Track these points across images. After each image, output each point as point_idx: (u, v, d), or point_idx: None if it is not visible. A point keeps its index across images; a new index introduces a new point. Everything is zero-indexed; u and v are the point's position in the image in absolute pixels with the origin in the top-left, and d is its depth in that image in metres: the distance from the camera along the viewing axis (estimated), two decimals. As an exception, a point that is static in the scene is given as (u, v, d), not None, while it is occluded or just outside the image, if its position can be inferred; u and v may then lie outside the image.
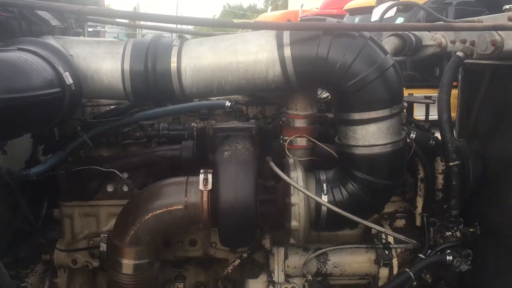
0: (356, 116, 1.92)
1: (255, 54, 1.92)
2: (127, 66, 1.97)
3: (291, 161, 2.06)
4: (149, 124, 2.38)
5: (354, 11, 10.70)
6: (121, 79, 1.98)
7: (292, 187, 1.95)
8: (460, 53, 2.41)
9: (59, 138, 2.45)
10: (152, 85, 1.98)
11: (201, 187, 1.98)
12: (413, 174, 2.41)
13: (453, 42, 2.62)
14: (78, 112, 2.44)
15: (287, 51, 1.89)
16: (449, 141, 2.23)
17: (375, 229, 2.02)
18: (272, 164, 1.99)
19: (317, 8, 16.10)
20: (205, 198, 1.97)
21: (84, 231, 2.42)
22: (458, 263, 2.16)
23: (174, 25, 2.90)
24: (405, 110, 2.42)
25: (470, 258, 2.22)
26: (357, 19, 10.61)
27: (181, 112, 2.44)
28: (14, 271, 2.44)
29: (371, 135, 1.93)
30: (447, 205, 2.29)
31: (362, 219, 1.98)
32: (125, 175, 2.31)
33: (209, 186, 1.97)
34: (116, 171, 2.18)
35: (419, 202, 2.40)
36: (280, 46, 1.89)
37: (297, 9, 15.52)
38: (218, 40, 2.01)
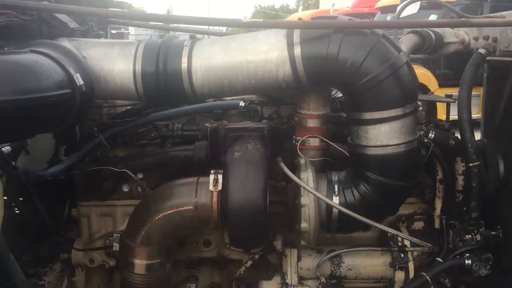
0: (368, 115, 1.88)
1: (265, 54, 1.90)
2: (138, 67, 1.99)
3: (302, 161, 2.03)
4: (163, 125, 2.39)
5: (385, 9, 10.53)
6: (133, 80, 2.00)
7: (302, 188, 1.92)
8: (482, 50, 2.34)
9: (80, 139, 2.49)
10: (163, 85, 1.98)
11: (211, 187, 1.97)
12: (432, 175, 2.34)
13: (476, 38, 2.55)
14: (94, 113, 2.47)
15: (297, 50, 1.86)
16: (469, 141, 2.16)
17: (387, 231, 1.96)
18: (282, 164, 1.96)
19: (348, 7, 15.94)
20: (215, 199, 1.96)
21: (101, 230, 2.45)
22: (477, 267, 2.09)
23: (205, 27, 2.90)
24: (421, 109, 2.35)
25: (490, 262, 2.15)
26: (388, 17, 10.46)
27: (195, 113, 2.44)
28: (33, 269, 2.49)
29: (383, 135, 1.88)
30: (466, 207, 2.22)
31: (374, 221, 1.94)
32: (140, 176, 2.33)
33: (219, 187, 1.96)
34: (128, 172, 2.20)
35: (438, 204, 2.33)
36: (290, 45, 1.87)
37: (328, 8, 15.39)
38: (229, 39, 2.00)
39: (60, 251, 2.50)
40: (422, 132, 2.27)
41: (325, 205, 1.96)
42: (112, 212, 2.42)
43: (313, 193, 1.89)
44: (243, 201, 1.90)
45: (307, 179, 1.95)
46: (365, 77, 1.82)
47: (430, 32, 2.39)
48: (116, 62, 2.01)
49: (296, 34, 1.88)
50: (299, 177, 1.96)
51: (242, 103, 2.36)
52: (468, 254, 2.13)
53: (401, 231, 2.27)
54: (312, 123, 2.11)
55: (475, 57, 2.32)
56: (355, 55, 1.81)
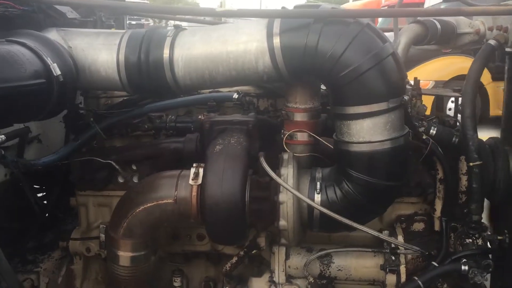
0: (350, 110, 1.78)
1: (244, 44, 1.84)
2: (122, 57, 1.97)
3: (285, 156, 1.95)
4: (157, 116, 2.36)
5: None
6: (116, 70, 1.98)
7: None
8: (492, 41, 2.19)
9: (77, 129, 2.50)
10: (145, 76, 1.95)
11: (190, 181, 1.93)
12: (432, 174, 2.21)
13: (490, 29, 2.39)
14: (92, 104, 2.48)
15: (276, 41, 1.78)
16: (470, 138, 2.03)
17: (368, 232, 1.86)
18: (261, 159, 1.89)
19: (401, -4, 15.41)
20: (194, 193, 1.92)
21: (98, 220, 2.46)
22: (473, 274, 1.95)
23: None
24: (422, 104, 2.22)
25: (490, 270, 2.00)
26: (442, 6, 10.05)
27: (190, 104, 2.41)
28: (32, 256, 2.53)
29: (366, 131, 1.78)
30: (467, 209, 2.08)
31: (358, 222, 1.84)
32: (133, 167, 2.33)
33: (199, 181, 1.92)
34: (112, 162, 2.19)
35: (438, 205, 2.20)
36: (269, 35, 1.79)
37: (380, -2, 14.98)
38: (211, 29, 1.95)
39: (60, 239, 2.54)
40: (422, 128, 2.15)
41: (306, 203, 1.87)
42: (109, 203, 2.42)
43: (290, 190, 1.81)
44: (219, 196, 1.85)
45: (286, 175, 1.87)
46: (345, 69, 1.72)
47: (436, 22, 2.25)
48: (100, 52, 2.00)
49: (276, 24, 1.80)
50: (279, 173, 1.88)
51: (235, 95, 2.31)
52: (465, 260, 1.99)
53: (396, 232, 2.16)
54: (299, 117, 2.03)
55: (485, 48, 2.17)
56: (335, 46, 1.72)
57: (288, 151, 2.00)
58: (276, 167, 1.93)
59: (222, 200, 1.84)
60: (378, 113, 1.75)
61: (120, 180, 2.38)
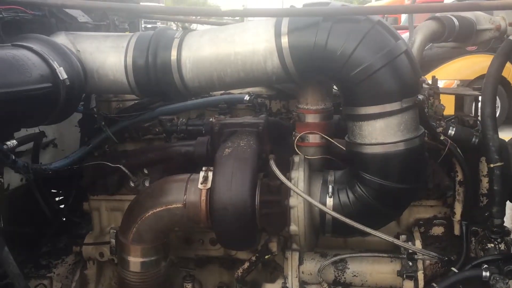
0: (362, 110, 1.71)
1: (252, 45, 1.79)
2: (129, 60, 1.94)
3: (296, 159, 1.90)
4: (168, 119, 2.33)
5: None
6: (124, 73, 1.95)
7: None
8: (512, 37, 2.10)
9: (90, 133, 2.49)
10: (153, 79, 1.92)
11: (200, 185, 1.89)
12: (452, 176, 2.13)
13: (511, 24, 2.29)
14: (104, 107, 2.47)
15: (285, 40, 1.73)
16: (490, 139, 1.95)
17: (381, 238, 1.79)
18: (271, 162, 1.84)
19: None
20: (203, 197, 1.88)
21: (111, 224, 2.45)
22: (495, 280, 1.86)
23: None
24: (440, 103, 2.14)
25: (513, 276, 1.91)
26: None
27: (200, 107, 2.37)
28: (46, 261, 2.53)
29: (379, 132, 1.71)
30: (488, 212, 2.00)
31: (372, 227, 1.77)
32: (145, 171, 2.31)
33: (209, 185, 1.88)
34: (122, 167, 2.16)
35: (458, 208, 2.11)
36: (277, 35, 1.74)
37: (406, -4, 14.76)
38: (219, 30, 1.90)
39: (74, 244, 2.53)
40: (440, 129, 2.07)
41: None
42: (121, 207, 2.40)
43: (300, 194, 1.75)
44: (228, 200, 1.80)
45: (297, 178, 1.82)
46: (356, 68, 1.66)
47: (453, 19, 2.16)
48: (108, 55, 1.97)
49: (285, 23, 1.74)
50: (289, 176, 1.83)
51: (247, 97, 2.26)
52: (486, 266, 1.90)
53: (413, 237, 2.08)
54: (311, 118, 1.97)
55: (505, 45, 2.08)
56: (345, 44, 1.65)
57: (300, 153, 1.94)
58: (287, 170, 1.88)
59: (231, 204, 1.80)
60: (391, 114, 1.68)
61: (132, 184, 2.36)
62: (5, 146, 2.01)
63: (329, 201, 1.81)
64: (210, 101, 2.33)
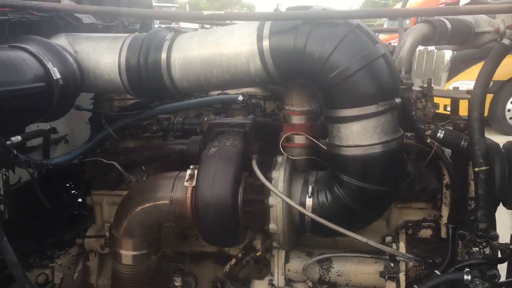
0: (339, 113, 1.74)
1: (236, 47, 1.84)
2: (123, 60, 2.01)
3: (279, 159, 1.94)
4: (165, 118, 2.41)
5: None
6: (118, 73, 2.03)
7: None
8: (506, 41, 2.10)
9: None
10: (145, 79, 1.99)
11: (185, 183, 1.96)
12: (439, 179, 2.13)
13: (509, 27, 2.28)
14: (106, 106, 2.56)
15: (266, 43, 1.77)
16: (476, 142, 1.95)
17: (356, 239, 1.81)
18: (253, 162, 1.89)
19: (465, -5, 14.83)
20: (188, 194, 1.95)
21: (112, 218, 2.52)
22: (474, 284, 1.86)
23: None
24: (429, 106, 2.14)
25: (496, 281, 1.91)
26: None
27: (197, 107, 2.44)
28: (50, 252, 2.64)
29: (355, 134, 1.74)
30: (473, 216, 2.00)
31: (350, 228, 1.80)
32: (143, 168, 2.39)
33: (194, 182, 1.94)
34: (115, 164, 2.25)
35: (445, 211, 2.12)
36: (259, 38, 1.79)
37: (441, -3, 14.51)
38: (207, 33, 1.96)
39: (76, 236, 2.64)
40: (429, 132, 2.08)
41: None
42: (121, 202, 2.49)
43: (277, 193, 1.80)
44: (210, 198, 1.86)
45: (277, 178, 1.86)
46: (333, 71, 1.69)
47: (446, 22, 2.16)
48: (103, 56, 2.05)
49: (267, 26, 1.79)
50: (270, 176, 1.88)
51: (240, 98, 2.32)
52: (468, 269, 1.91)
53: (398, 240, 2.10)
54: (296, 119, 2.01)
55: (497, 49, 2.07)
56: (323, 48, 1.69)
57: (284, 153, 1.99)
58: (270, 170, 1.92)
59: (212, 202, 1.86)
60: (367, 116, 1.71)
61: (133, 180, 2.44)
62: (9, 142, 2.13)
63: (309, 201, 1.85)
64: (206, 101, 2.39)
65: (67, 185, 3.02)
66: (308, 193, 1.85)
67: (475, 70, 8.19)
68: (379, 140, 1.73)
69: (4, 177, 2.32)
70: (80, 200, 2.88)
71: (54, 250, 2.65)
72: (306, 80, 1.89)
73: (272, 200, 1.85)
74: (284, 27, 1.76)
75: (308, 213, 1.78)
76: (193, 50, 1.92)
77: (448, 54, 10.19)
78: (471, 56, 9.12)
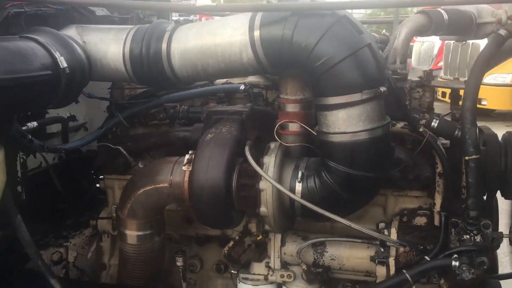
0: (326, 100, 1.81)
1: (229, 37, 1.92)
2: (127, 50, 2.12)
3: (272, 146, 2.02)
4: (171, 106, 2.51)
5: None
6: (122, 62, 2.14)
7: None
8: (502, 31, 2.10)
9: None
10: (147, 68, 2.10)
11: (184, 167, 2.06)
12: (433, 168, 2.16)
13: (511, 18, 2.28)
14: (117, 95, 2.69)
15: (257, 34, 1.85)
16: (467, 132, 1.97)
17: (342, 223, 1.87)
18: (246, 148, 1.97)
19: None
20: (186, 178, 2.05)
21: (123, 202, 2.66)
22: (461, 270, 1.90)
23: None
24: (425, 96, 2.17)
25: (484, 267, 1.94)
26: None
27: (201, 95, 2.53)
28: (66, 232, 2.80)
29: (341, 122, 1.80)
30: (464, 204, 2.03)
31: (338, 213, 1.86)
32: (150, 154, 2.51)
33: (191, 167, 2.04)
34: (120, 148, 2.37)
35: (438, 199, 2.15)
36: (251, 28, 1.86)
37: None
38: (204, 24, 2.06)
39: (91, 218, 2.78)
40: (423, 121, 2.12)
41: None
42: (131, 186, 2.61)
43: (265, 177, 1.88)
44: (204, 181, 1.95)
45: (268, 163, 1.94)
46: (319, 60, 1.75)
47: (442, 12, 2.18)
48: (110, 46, 2.16)
49: (258, 17, 1.86)
50: (262, 161, 1.95)
51: (242, 87, 2.40)
52: (456, 255, 1.94)
53: (391, 226, 2.14)
54: (290, 107, 2.08)
55: (493, 39, 2.08)
56: (309, 38, 1.75)
57: (279, 140, 2.06)
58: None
59: (206, 185, 1.95)
60: (352, 104, 1.76)
61: (141, 165, 2.56)
62: (24, 127, 2.27)
63: (298, 186, 1.92)
64: (210, 90, 2.49)
65: (86, 171, 3.15)
66: (297, 178, 1.92)
67: (510, 63, 8.04)
68: (364, 128, 1.79)
69: (22, 160, 2.48)
70: (98, 185, 3.02)
71: (70, 231, 2.80)
72: (295, 70, 1.95)
73: (262, 184, 1.93)
74: (274, 18, 1.83)
75: (293, 196, 1.85)
76: (191, 40, 2.01)
77: (483, 46, 10.02)
78: (507, 49, 8.90)
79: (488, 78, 10.23)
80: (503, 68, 9.51)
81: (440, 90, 9.02)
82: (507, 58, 8.10)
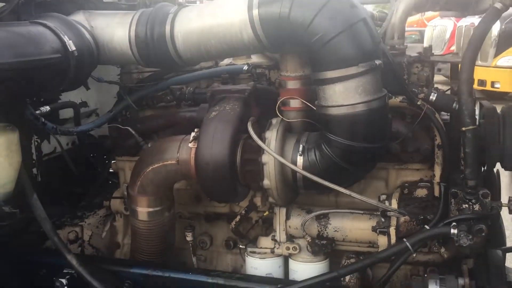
0: (323, 75, 1.87)
1: (230, 18, 1.99)
2: (132, 34, 2.19)
3: (274, 121, 2.09)
4: (177, 88, 2.59)
5: None
6: (129, 46, 2.22)
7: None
8: (498, 5, 2.13)
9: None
10: (152, 51, 2.17)
11: (190, 144, 2.14)
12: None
13: (509, -8, 2.31)
14: (126, 79, 2.77)
15: (255, 12, 1.91)
16: (464, 103, 2.02)
17: (344, 193, 1.94)
18: (248, 124, 2.05)
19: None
20: (192, 155, 2.13)
21: (134, 182, 2.75)
22: (459, 237, 1.95)
23: None
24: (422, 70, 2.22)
25: (483, 234, 1.99)
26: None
27: (207, 77, 2.60)
28: (81, 213, 2.90)
29: (338, 95, 1.86)
30: (463, 174, 2.08)
31: (339, 184, 1.93)
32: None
33: (197, 144, 2.12)
34: (129, 129, 2.45)
35: (437, 171, 2.21)
36: (250, 8, 1.93)
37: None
38: (205, 5, 2.12)
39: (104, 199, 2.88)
40: (422, 95, 2.17)
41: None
42: (141, 167, 2.70)
43: (267, 150, 1.96)
44: (209, 157, 2.04)
45: (270, 138, 2.01)
46: (315, 36, 1.81)
47: (439, -13, 2.23)
48: (116, 30, 2.24)
49: None
50: (264, 136, 2.03)
51: (245, 67, 2.47)
52: (455, 224, 2.00)
53: (391, 198, 2.21)
54: (291, 84, 2.15)
55: (490, 12, 2.12)
56: (305, 14, 1.81)
57: (281, 116, 2.13)
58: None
59: (211, 161, 2.03)
60: (348, 77, 1.83)
61: (150, 145, 2.65)
62: (38, 111, 2.37)
63: (300, 159, 2.00)
64: (214, 72, 2.56)
65: (98, 155, 3.25)
66: (299, 151, 1.99)
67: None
68: (361, 100, 1.85)
69: (36, 143, 2.58)
70: (111, 170, 3.12)
71: (84, 212, 2.90)
72: (295, 47, 2.02)
73: (265, 158, 2.01)
74: None
75: (295, 167, 1.93)
76: (193, 22, 2.08)
77: (496, 29, 9.91)
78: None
79: (501, 60, 10.15)
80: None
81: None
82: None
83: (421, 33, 13.84)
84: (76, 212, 2.92)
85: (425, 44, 11.59)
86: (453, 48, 11.23)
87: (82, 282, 2.16)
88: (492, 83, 10.17)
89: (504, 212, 2.15)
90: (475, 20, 9.30)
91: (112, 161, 2.95)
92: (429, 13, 12.61)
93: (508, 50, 10.10)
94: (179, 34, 2.10)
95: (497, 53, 10.24)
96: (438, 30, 11.99)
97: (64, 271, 2.28)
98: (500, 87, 9.97)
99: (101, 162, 3.17)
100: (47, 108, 2.45)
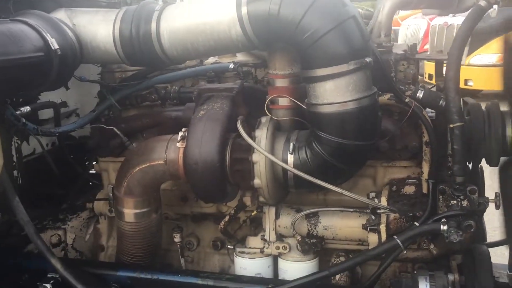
0: (313, 72, 1.86)
1: (218, 15, 1.96)
2: (116, 32, 2.14)
3: (263, 120, 2.07)
4: (162, 87, 2.55)
5: None
6: (113, 44, 2.17)
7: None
8: (482, 2, 2.15)
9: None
10: (138, 49, 2.13)
11: (178, 144, 2.10)
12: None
13: (491, -11, 2.33)
14: (108, 78, 2.72)
15: (244, 10, 1.89)
16: (451, 100, 2.03)
17: (334, 191, 1.94)
18: (238, 123, 2.03)
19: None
20: (180, 154, 2.09)
21: (118, 184, 2.70)
22: (449, 233, 1.97)
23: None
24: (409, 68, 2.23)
25: (472, 230, 2.01)
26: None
27: (192, 76, 2.56)
28: (63, 215, 2.84)
29: (329, 93, 1.85)
30: (450, 171, 2.09)
31: (331, 182, 1.92)
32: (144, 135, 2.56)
33: (185, 143, 2.08)
34: (114, 129, 2.41)
35: (425, 168, 2.22)
36: (238, 5, 1.91)
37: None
38: (192, 2, 2.08)
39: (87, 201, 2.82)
40: (409, 92, 2.17)
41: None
42: (126, 168, 2.65)
43: (258, 149, 1.93)
44: (198, 156, 2.01)
45: (260, 137, 1.99)
46: (305, 33, 1.80)
47: (426, -15, 2.24)
48: (99, 28, 2.18)
49: None
50: (254, 135, 2.01)
51: (231, 65, 2.44)
52: (444, 220, 2.01)
53: (381, 195, 2.21)
54: (280, 82, 2.13)
55: (474, 10, 2.13)
56: (295, 11, 1.80)
57: (270, 115, 2.11)
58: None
59: (200, 160, 2.00)
60: (339, 75, 1.82)
61: (135, 145, 2.60)
62: (18, 112, 2.30)
63: (290, 158, 1.98)
64: (200, 70, 2.53)
65: (79, 156, 3.18)
66: (289, 150, 1.98)
67: (495, 44, 8.07)
68: (352, 98, 1.84)
69: (16, 145, 2.51)
70: (92, 170, 3.06)
71: (67, 214, 2.84)
72: (284, 44, 2.00)
73: (255, 157, 1.99)
74: None
75: (286, 166, 1.91)
76: (180, 19, 2.05)
77: (469, 27, 10.06)
78: (491, 30, 9.02)
79: (474, 59, 10.31)
80: (489, 49, 9.57)
81: (426, 73, 9.12)
82: (492, 38, 8.20)
83: (395, 32, 14.01)
84: (58, 214, 2.85)
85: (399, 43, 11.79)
86: (427, 47, 11.37)
87: (67, 286, 2.10)
88: (466, 81, 10.34)
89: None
90: (449, 19, 9.48)
91: (94, 162, 2.90)
92: (403, 13, 12.79)
93: (480, 48, 10.28)
94: (165, 32, 2.06)
95: (470, 52, 10.40)
96: (412, 29, 12.13)
97: (48, 275, 2.22)
98: (473, 85, 10.12)
99: (81, 163, 3.10)
100: (28, 108, 2.38)
